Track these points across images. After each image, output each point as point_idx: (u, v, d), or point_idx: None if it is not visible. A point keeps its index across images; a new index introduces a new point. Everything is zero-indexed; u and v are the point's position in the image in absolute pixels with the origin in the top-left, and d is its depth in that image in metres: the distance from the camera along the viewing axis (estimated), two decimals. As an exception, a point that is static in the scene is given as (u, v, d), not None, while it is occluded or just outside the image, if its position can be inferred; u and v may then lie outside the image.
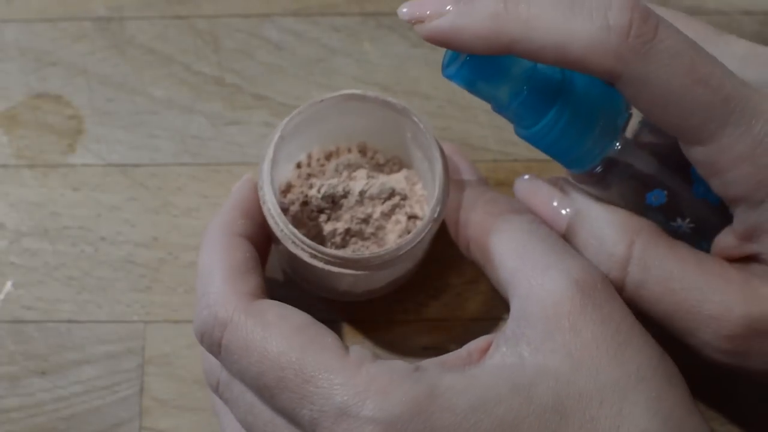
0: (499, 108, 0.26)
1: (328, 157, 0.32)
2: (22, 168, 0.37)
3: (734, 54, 0.26)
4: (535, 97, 0.25)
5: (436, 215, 0.28)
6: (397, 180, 0.32)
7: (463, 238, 0.30)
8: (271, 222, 0.28)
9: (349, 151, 0.32)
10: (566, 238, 0.28)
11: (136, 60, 0.38)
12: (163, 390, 0.34)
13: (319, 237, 0.31)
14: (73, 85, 0.38)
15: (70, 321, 0.35)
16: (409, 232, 0.31)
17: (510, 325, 0.26)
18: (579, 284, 0.25)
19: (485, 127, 0.37)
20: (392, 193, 0.31)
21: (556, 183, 0.29)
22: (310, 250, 0.28)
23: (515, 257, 0.27)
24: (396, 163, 0.33)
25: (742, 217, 0.25)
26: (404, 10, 0.25)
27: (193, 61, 0.38)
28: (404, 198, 0.32)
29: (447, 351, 0.34)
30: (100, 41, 0.39)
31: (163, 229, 0.36)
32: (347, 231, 0.31)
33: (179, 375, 0.34)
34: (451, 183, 0.29)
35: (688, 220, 0.27)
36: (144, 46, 0.39)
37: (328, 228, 0.31)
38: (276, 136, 0.29)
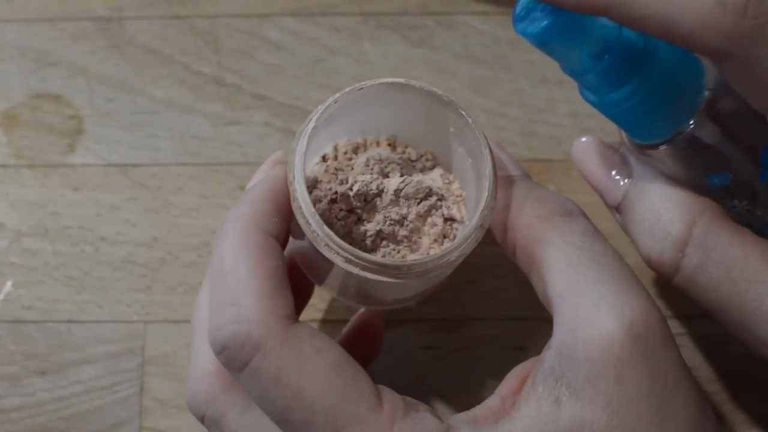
0: (571, 71, 0.24)
1: (356, 150, 0.29)
2: (22, 168, 0.37)
3: None
4: (615, 65, 0.24)
5: (483, 222, 0.26)
6: (433, 179, 0.29)
7: (510, 243, 0.27)
8: (301, 222, 0.25)
9: (378, 144, 0.30)
10: (620, 209, 0.26)
11: (136, 60, 0.38)
12: (163, 390, 0.34)
13: (347, 238, 0.28)
14: (73, 85, 0.38)
15: (70, 321, 0.35)
16: (445, 237, 0.28)
17: (549, 359, 0.24)
18: (633, 328, 0.23)
19: (486, 127, 0.37)
20: (429, 193, 0.28)
21: (616, 150, 0.27)
22: (345, 255, 0.25)
23: (565, 280, 0.24)
24: (429, 159, 0.30)
25: None
26: None
27: (193, 61, 0.38)
28: (441, 199, 0.29)
29: (447, 351, 0.35)
30: (100, 41, 0.39)
31: (163, 229, 0.36)
32: (378, 233, 0.28)
33: (179, 375, 0.34)
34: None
35: (745, 202, 0.26)
36: (144, 46, 0.39)
37: (358, 229, 0.28)
38: (310, 126, 0.26)
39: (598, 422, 0.23)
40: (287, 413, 0.23)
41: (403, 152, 0.30)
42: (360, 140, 0.30)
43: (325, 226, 0.25)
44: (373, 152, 0.29)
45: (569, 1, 0.22)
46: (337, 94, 0.26)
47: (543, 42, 0.23)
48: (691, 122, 0.25)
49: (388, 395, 0.24)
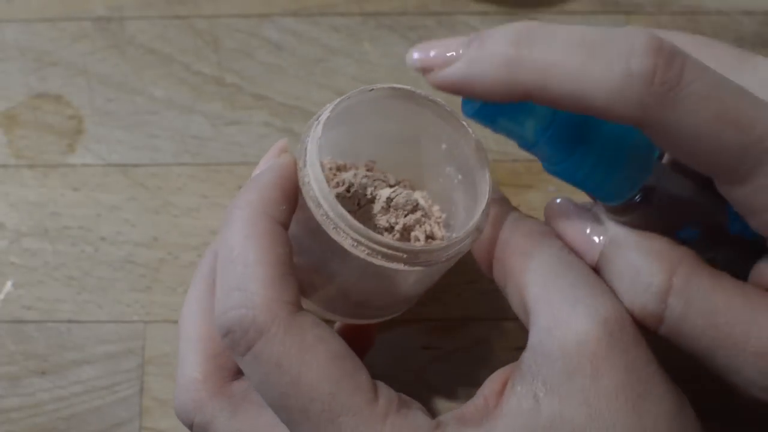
0: (525, 145, 0.25)
1: (339, 169, 0.30)
2: (22, 168, 0.37)
3: (763, 79, 0.25)
4: (563, 133, 0.24)
5: (480, 224, 0.26)
6: (419, 195, 0.30)
7: (486, 256, 0.28)
8: (312, 206, 0.25)
9: (357, 168, 0.30)
10: (598, 268, 0.26)
11: (136, 60, 0.38)
12: (163, 390, 0.34)
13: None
14: (73, 85, 0.38)
15: (70, 321, 0.35)
16: None
17: (526, 360, 0.25)
18: (607, 324, 0.24)
19: (485, 127, 0.37)
20: (416, 207, 0.29)
21: (588, 209, 0.27)
22: (355, 236, 0.25)
23: (541, 284, 0.25)
24: (406, 185, 0.31)
25: None
26: (414, 56, 0.24)
27: (193, 61, 0.38)
28: (425, 215, 0.29)
29: (447, 351, 0.35)
30: (100, 41, 0.39)
31: (163, 229, 0.36)
32: None
33: (179, 375, 0.34)
34: None
35: (720, 254, 0.26)
36: (144, 46, 0.39)
37: None
38: (324, 116, 0.26)
39: (577, 417, 0.23)
40: (285, 399, 0.24)
41: (383, 174, 0.30)
42: (341, 162, 0.30)
43: (339, 206, 0.25)
44: (359, 171, 0.30)
45: (489, 95, 0.23)
46: (350, 93, 0.27)
47: (491, 122, 0.24)
48: (650, 177, 0.25)
49: (384, 390, 0.24)
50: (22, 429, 0.34)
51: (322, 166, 0.28)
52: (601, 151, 0.25)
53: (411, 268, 0.26)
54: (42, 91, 0.38)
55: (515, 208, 0.28)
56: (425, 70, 0.24)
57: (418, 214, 0.29)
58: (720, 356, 0.25)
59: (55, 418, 0.34)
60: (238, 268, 0.24)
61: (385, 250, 0.25)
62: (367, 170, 0.30)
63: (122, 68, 0.38)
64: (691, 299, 0.24)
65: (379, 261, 0.25)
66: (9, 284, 0.35)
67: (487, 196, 0.26)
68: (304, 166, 0.26)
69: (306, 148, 0.26)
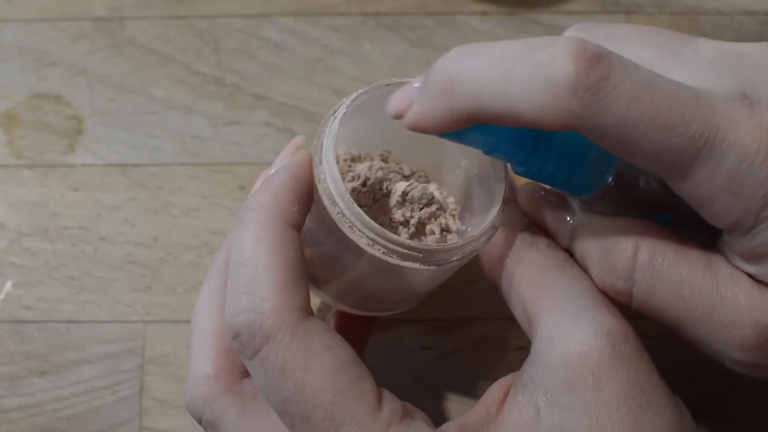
0: (488, 151, 0.25)
1: (353, 160, 0.30)
2: (22, 168, 0.37)
3: (703, 60, 0.24)
4: (523, 136, 0.25)
5: (496, 222, 0.26)
6: (434, 188, 0.30)
7: (489, 260, 0.28)
8: (327, 203, 0.25)
9: (372, 159, 0.30)
10: (571, 249, 0.27)
11: (136, 60, 0.38)
12: (163, 390, 0.34)
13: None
14: (73, 85, 0.38)
15: (70, 321, 0.35)
16: None
17: (528, 370, 0.25)
18: (610, 337, 0.24)
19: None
20: (431, 200, 0.29)
21: (557, 192, 0.28)
22: (371, 235, 0.25)
23: (545, 296, 0.25)
24: (422, 176, 0.31)
25: (737, 243, 0.24)
26: (388, 107, 0.24)
27: (193, 61, 0.38)
28: (441, 208, 0.29)
29: (447, 351, 0.35)
30: (100, 41, 0.39)
31: (163, 229, 0.36)
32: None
33: (179, 375, 0.34)
34: None
35: (694, 237, 0.26)
36: (144, 46, 0.39)
37: None
38: (341, 111, 0.26)
39: (578, 428, 0.23)
40: (288, 405, 0.24)
41: (398, 164, 0.30)
42: (355, 153, 0.30)
43: (355, 205, 0.25)
44: (374, 162, 0.29)
45: (443, 127, 0.23)
46: (368, 87, 0.27)
47: (458, 137, 0.24)
48: (616, 170, 0.25)
49: (389, 400, 0.24)
50: (22, 429, 0.34)
51: (337, 159, 0.28)
52: (562, 150, 0.25)
53: (426, 267, 0.26)
54: (42, 91, 0.38)
55: (520, 211, 0.28)
56: (399, 117, 0.24)
57: (434, 207, 0.29)
58: (689, 328, 0.25)
59: (55, 418, 0.34)
60: (249, 271, 0.24)
61: (400, 249, 0.25)
62: (382, 160, 0.30)
63: (122, 68, 0.38)
64: (656, 272, 0.25)
65: (394, 260, 0.25)
66: (9, 284, 0.35)
67: (503, 194, 0.26)
68: (320, 163, 0.26)
69: (322, 145, 0.26)
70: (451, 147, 0.29)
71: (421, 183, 0.30)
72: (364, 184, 0.28)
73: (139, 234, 0.36)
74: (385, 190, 0.28)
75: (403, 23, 0.39)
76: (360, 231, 0.25)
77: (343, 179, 0.29)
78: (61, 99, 0.38)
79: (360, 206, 0.27)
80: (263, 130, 0.37)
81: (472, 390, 0.34)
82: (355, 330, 0.32)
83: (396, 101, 0.24)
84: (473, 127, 0.24)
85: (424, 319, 0.35)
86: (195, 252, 0.36)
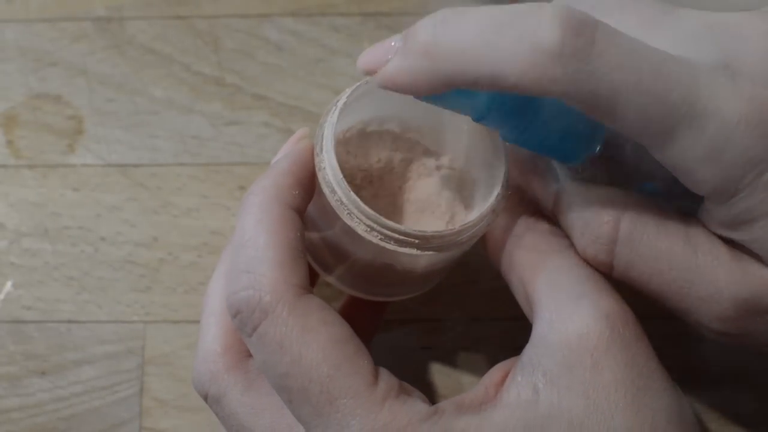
0: (477, 117, 0.25)
1: (363, 133, 0.30)
2: (22, 168, 0.37)
3: (686, 30, 0.24)
4: (513, 102, 0.25)
5: (497, 206, 0.27)
6: (444, 161, 0.30)
7: (495, 245, 0.28)
8: (326, 191, 0.26)
9: (384, 138, 0.30)
10: (555, 215, 0.27)
11: (136, 60, 0.38)
12: (163, 390, 0.34)
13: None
14: (73, 85, 0.38)
15: (70, 321, 0.35)
16: (451, 220, 0.29)
17: (528, 352, 0.25)
18: (609, 319, 0.24)
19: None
20: (440, 173, 0.30)
21: (543, 158, 0.28)
22: (368, 222, 0.25)
23: (547, 281, 0.26)
24: (432, 154, 0.31)
25: (718, 211, 0.24)
26: (360, 60, 0.24)
27: (193, 61, 0.38)
28: (451, 179, 0.30)
29: (447, 351, 0.35)
30: (100, 41, 0.39)
31: (163, 229, 0.36)
32: (393, 209, 0.29)
33: (179, 375, 0.34)
34: None
35: (683, 205, 0.26)
36: (144, 46, 0.39)
37: (376, 205, 0.29)
38: (341, 101, 0.27)
39: (576, 408, 0.23)
40: (285, 380, 0.24)
41: (410, 137, 0.30)
42: (369, 129, 0.30)
43: (351, 193, 0.25)
44: (386, 134, 0.30)
45: (420, 87, 0.23)
46: (368, 77, 0.27)
47: (442, 100, 0.24)
48: (602, 139, 0.26)
49: (385, 376, 0.25)
50: (22, 429, 0.34)
51: (347, 141, 0.29)
52: (551, 117, 0.25)
53: (423, 253, 0.26)
54: (42, 91, 0.38)
55: (529, 197, 0.28)
56: (369, 72, 0.24)
57: (443, 176, 0.30)
58: (669, 300, 0.25)
59: (55, 418, 0.34)
60: (249, 251, 0.25)
61: (396, 235, 0.26)
62: (396, 137, 0.30)
63: (122, 68, 0.38)
64: (635, 246, 0.25)
65: (391, 246, 0.26)
66: (9, 284, 0.35)
67: (501, 180, 0.26)
68: (321, 152, 0.26)
69: (323, 134, 0.26)
70: (457, 133, 0.30)
71: (434, 154, 0.30)
72: (378, 161, 0.29)
73: (139, 234, 0.36)
74: (395, 166, 0.29)
75: (403, 24, 0.39)
76: (357, 218, 0.25)
77: (348, 164, 0.29)
78: (60, 99, 0.38)
79: (368, 185, 0.29)
80: (263, 131, 0.37)
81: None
82: (365, 315, 0.33)
83: (369, 56, 0.24)
84: (458, 91, 0.24)
85: (424, 319, 0.35)
86: (195, 252, 0.36)
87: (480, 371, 0.34)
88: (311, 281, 0.31)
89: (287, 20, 0.39)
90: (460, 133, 0.29)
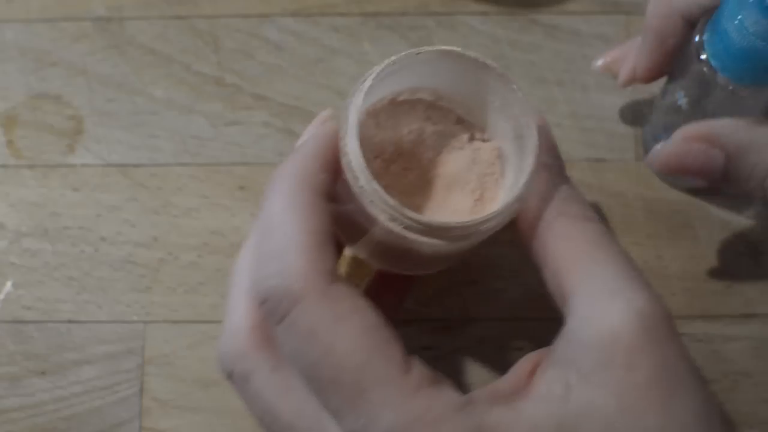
0: None
1: (395, 103, 0.30)
2: (22, 168, 0.37)
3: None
4: None
5: (523, 195, 0.26)
6: (473, 132, 0.30)
7: (527, 229, 0.27)
8: (349, 176, 0.26)
9: (417, 103, 0.30)
10: (725, 178, 0.28)
11: (136, 60, 0.38)
12: (163, 390, 0.34)
13: (393, 190, 0.28)
14: (73, 85, 0.38)
15: (70, 321, 0.35)
16: (482, 195, 0.29)
17: (560, 345, 0.25)
18: (643, 317, 0.24)
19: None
20: (472, 145, 0.29)
21: (698, 131, 0.29)
22: (391, 212, 0.25)
23: (581, 273, 0.25)
24: (467, 126, 0.30)
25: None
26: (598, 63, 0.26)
27: (193, 61, 0.38)
28: (479, 149, 0.29)
29: (447, 351, 0.35)
30: (100, 41, 0.39)
31: (163, 229, 0.36)
32: (423, 180, 0.29)
33: (179, 375, 0.34)
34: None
35: None
36: (144, 46, 0.39)
37: (406, 178, 0.29)
38: (366, 84, 0.26)
39: (607, 407, 0.23)
40: (316, 369, 0.24)
41: (443, 105, 0.30)
42: (401, 98, 0.30)
43: (374, 182, 0.25)
44: (418, 102, 0.29)
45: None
46: (395, 57, 0.27)
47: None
48: None
49: (418, 364, 0.24)
50: (22, 429, 0.34)
51: (377, 104, 0.29)
52: None
53: (444, 242, 0.26)
54: (42, 91, 0.38)
55: (566, 179, 0.28)
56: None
57: (475, 147, 0.29)
58: None
59: (55, 418, 0.34)
60: (277, 237, 0.25)
61: (417, 225, 0.25)
62: (435, 100, 0.30)
63: (122, 68, 0.38)
64: None
65: (413, 236, 0.25)
66: (9, 284, 0.35)
67: (530, 168, 0.26)
68: (345, 135, 0.26)
69: (347, 118, 0.26)
70: (489, 109, 0.29)
71: (463, 122, 0.30)
72: (408, 134, 0.29)
73: (139, 234, 0.36)
74: (426, 137, 0.29)
75: (403, 24, 0.39)
76: (380, 206, 0.25)
77: (377, 137, 0.29)
78: (60, 99, 0.38)
79: (398, 159, 0.28)
80: (263, 131, 0.37)
81: (472, 390, 0.34)
82: (393, 288, 0.32)
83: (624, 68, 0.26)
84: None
85: (424, 319, 0.35)
86: (195, 252, 0.36)
87: (480, 371, 0.34)
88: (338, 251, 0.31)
89: (287, 20, 0.39)
90: (493, 108, 0.29)
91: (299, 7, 0.39)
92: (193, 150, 0.37)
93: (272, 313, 0.24)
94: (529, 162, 0.26)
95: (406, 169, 0.29)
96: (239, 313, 0.27)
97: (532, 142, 0.26)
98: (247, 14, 0.39)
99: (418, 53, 0.27)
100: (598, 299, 0.24)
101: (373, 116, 0.29)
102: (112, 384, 0.34)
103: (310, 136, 0.27)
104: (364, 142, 0.28)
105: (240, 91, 0.38)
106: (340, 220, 0.29)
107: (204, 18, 0.39)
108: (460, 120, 0.30)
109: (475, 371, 0.34)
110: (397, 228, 0.25)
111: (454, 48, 0.27)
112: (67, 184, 0.37)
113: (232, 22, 0.39)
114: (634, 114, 0.37)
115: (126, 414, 0.34)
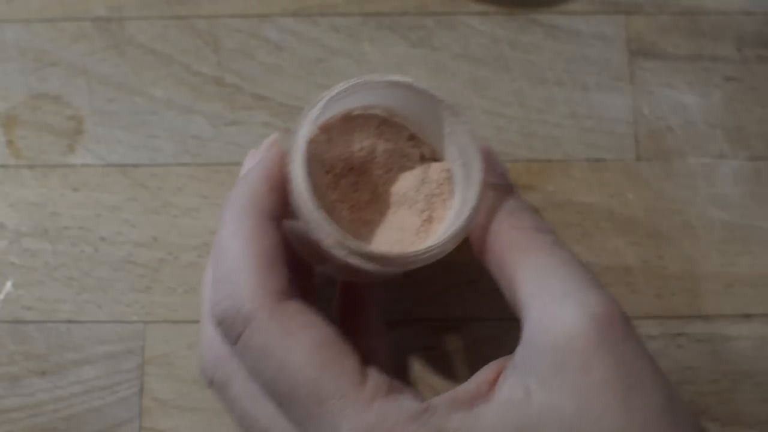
0: None
1: (348, 120, 0.30)
2: (22, 168, 0.37)
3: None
4: None
5: (467, 225, 0.26)
6: (425, 150, 0.30)
7: (479, 244, 0.28)
8: (295, 203, 0.26)
9: (371, 118, 0.30)
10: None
11: (136, 60, 0.38)
12: (163, 390, 0.34)
13: (341, 212, 0.29)
14: (73, 85, 0.38)
15: (70, 321, 0.35)
16: (430, 207, 0.29)
17: (519, 353, 0.25)
18: (596, 319, 0.24)
19: (485, 127, 0.37)
20: (421, 164, 0.30)
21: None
22: (333, 239, 0.26)
23: (533, 280, 0.26)
24: (418, 143, 0.31)
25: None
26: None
27: (193, 61, 0.38)
28: (429, 170, 0.30)
29: (447, 351, 0.35)
30: (100, 41, 0.39)
31: (163, 229, 0.36)
32: (373, 197, 0.29)
33: (179, 375, 0.34)
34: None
35: None
36: (144, 46, 0.39)
37: (359, 197, 0.29)
38: (313, 113, 0.27)
39: (566, 410, 0.23)
40: (273, 385, 0.24)
41: (396, 121, 0.30)
42: (356, 113, 0.30)
43: (317, 211, 0.26)
44: (371, 117, 0.30)
45: None
46: (343, 84, 0.27)
47: None
48: None
49: (374, 375, 0.25)
50: (22, 429, 0.34)
51: (330, 126, 0.29)
52: None
53: (387, 269, 0.27)
54: (42, 91, 0.38)
55: (515, 196, 0.29)
56: None
57: (424, 168, 0.30)
58: None
59: (55, 418, 0.34)
60: (227, 261, 0.26)
61: (359, 253, 0.26)
62: (388, 116, 0.30)
63: (122, 68, 0.38)
64: None
65: (356, 261, 0.26)
66: (9, 284, 0.35)
67: (473, 203, 0.26)
68: (291, 162, 0.26)
69: (294, 145, 0.26)
70: (438, 136, 0.29)
71: (416, 141, 0.30)
72: (359, 151, 0.29)
73: (139, 234, 0.36)
74: (377, 155, 0.29)
75: (403, 24, 0.39)
76: (324, 232, 0.26)
77: (329, 153, 0.29)
78: (60, 99, 0.38)
79: (348, 174, 0.28)
80: (263, 131, 0.37)
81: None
82: (359, 294, 0.33)
83: None
84: None
85: (424, 319, 0.35)
86: (195, 252, 0.36)
87: (480, 371, 0.34)
88: (310, 271, 0.32)
89: (287, 20, 0.39)
90: (444, 133, 0.29)
91: (299, 7, 0.39)
92: (193, 150, 0.37)
93: (227, 333, 0.25)
94: (473, 194, 0.26)
95: (356, 184, 0.30)
96: (212, 327, 0.27)
97: (476, 175, 0.27)
98: (247, 14, 0.39)
99: (367, 83, 0.27)
100: (550, 304, 0.25)
101: (326, 131, 0.29)
102: (112, 384, 0.34)
103: (259, 160, 0.28)
104: (316, 158, 0.29)
105: (240, 91, 0.38)
106: (297, 236, 0.30)
107: (204, 18, 0.39)
108: (412, 137, 0.30)
109: (475, 371, 0.34)
110: (340, 254, 0.26)
111: (405, 79, 0.27)
112: (67, 184, 0.37)
113: (231, 22, 0.39)
114: (635, 114, 0.37)
115: (126, 414, 0.34)
